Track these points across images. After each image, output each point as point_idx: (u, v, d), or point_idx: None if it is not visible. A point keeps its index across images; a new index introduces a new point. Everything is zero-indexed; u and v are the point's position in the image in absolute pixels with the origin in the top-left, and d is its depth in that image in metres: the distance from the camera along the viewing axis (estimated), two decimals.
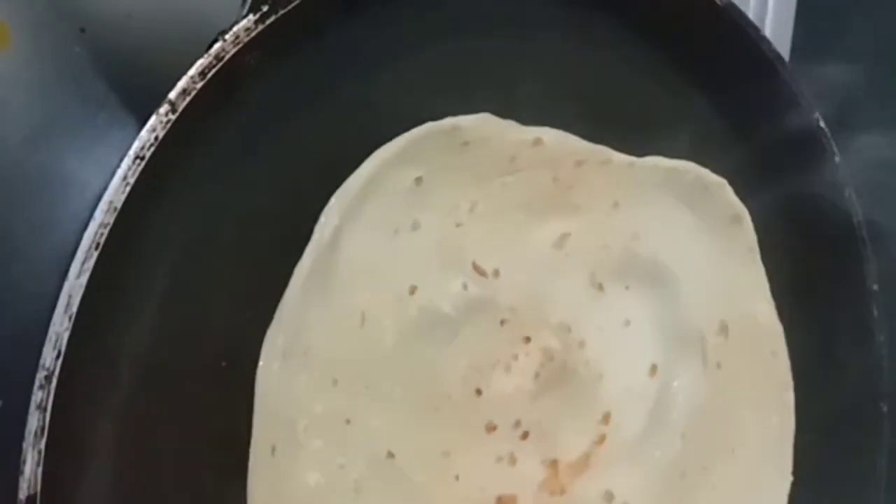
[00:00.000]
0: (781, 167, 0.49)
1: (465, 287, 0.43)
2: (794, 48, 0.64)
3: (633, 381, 0.48)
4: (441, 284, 0.43)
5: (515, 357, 0.45)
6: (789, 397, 0.51)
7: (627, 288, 0.48)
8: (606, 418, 0.47)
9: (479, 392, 0.44)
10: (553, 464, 0.46)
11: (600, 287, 0.47)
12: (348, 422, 0.41)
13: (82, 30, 0.40)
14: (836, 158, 0.49)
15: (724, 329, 0.49)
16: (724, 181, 0.49)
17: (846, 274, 0.51)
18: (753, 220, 0.49)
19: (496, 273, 0.44)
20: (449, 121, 0.42)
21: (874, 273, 0.51)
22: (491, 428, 0.45)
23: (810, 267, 0.51)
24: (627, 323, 0.48)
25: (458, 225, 0.43)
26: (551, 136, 0.45)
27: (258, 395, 0.39)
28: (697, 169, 0.48)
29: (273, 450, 0.39)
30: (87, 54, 0.40)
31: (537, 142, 0.44)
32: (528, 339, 0.45)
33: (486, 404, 0.44)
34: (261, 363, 0.39)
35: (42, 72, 0.39)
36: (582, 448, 0.47)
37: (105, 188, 0.38)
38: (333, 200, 0.40)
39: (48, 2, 0.39)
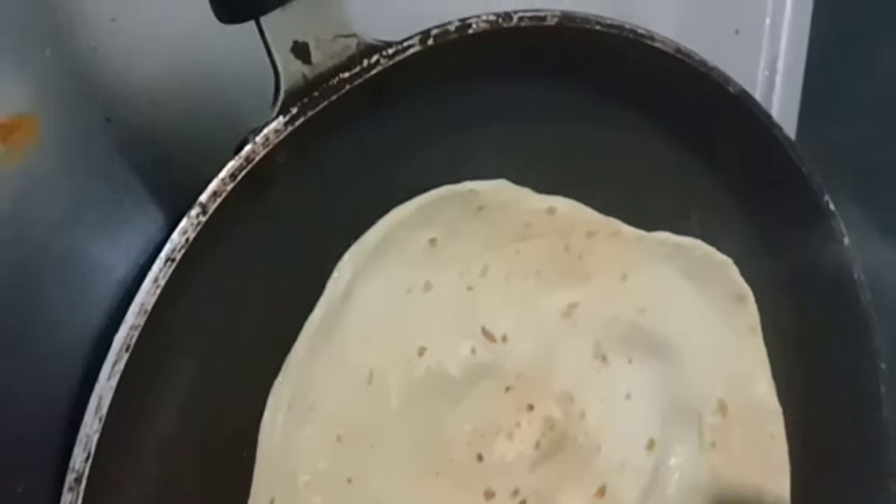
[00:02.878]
0: (790, 249, 0.50)
1: (473, 351, 0.43)
2: (800, 125, 0.65)
3: (630, 454, 0.48)
4: (450, 347, 0.43)
5: (518, 424, 0.45)
6: (785, 480, 0.51)
7: (630, 361, 0.48)
8: (602, 491, 0.47)
9: (480, 457, 0.44)
10: None
11: (604, 358, 0.47)
12: (349, 481, 0.41)
13: (108, 119, 0.40)
14: (846, 240, 0.49)
15: (722, 407, 0.50)
16: (729, 260, 0.49)
17: (855, 354, 0.51)
18: (760, 301, 0.49)
19: (504, 339, 0.44)
20: (466, 185, 0.42)
21: (882, 352, 0.51)
22: (489, 495, 0.44)
23: (818, 347, 0.51)
24: (629, 396, 0.48)
25: (469, 288, 0.43)
26: (565, 205, 0.45)
27: (261, 447, 0.39)
28: (704, 247, 0.48)
29: (272, 502, 0.39)
30: (112, 142, 0.41)
31: (551, 210, 0.45)
32: (531, 407, 0.45)
33: (487, 470, 0.44)
34: (266, 415, 0.39)
35: (68, 160, 0.40)
36: None
37: (129, 275, 0.40)
38: (347, 255, 0.40)
39: (74, 92, 0.40)
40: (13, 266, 0.39)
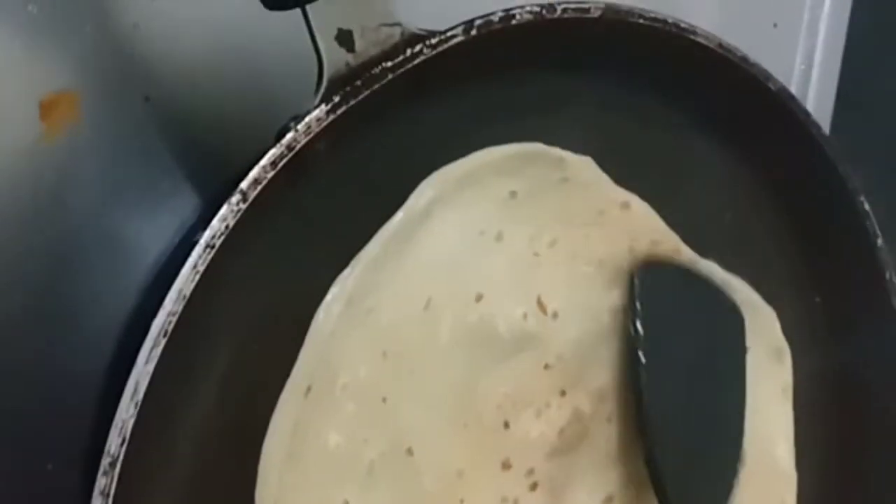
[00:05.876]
0: (822, 247, 0.50)
1: (525, 317, 0.44)
2: (835, 119, 0.66)
3: (646, 474, 0.47)
4: (505, 303, 0.43)
5: (548, 405, 0.45)
6: None
7: None
8: (609, 500, 0.47)
9: (507, 425, 0.43)
10: None
11: None
12: (384, 400, 0.40)
13: (147, 98, 0.40)
14: (880, 241, 0.49)
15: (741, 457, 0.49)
16: (773, 312, 0.50)
17: (887, 355, 0.51)
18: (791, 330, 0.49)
19: (556, 315, 0.44)
20: (557, 150, 0.43)
21: None
22: (506, 465, 0.44)
23: (846, 346, 0.51)
24: None
25: (535, 254, 0.44)
26: (640, 205, 0.46)
27: (312, 330, 0.38)
28: (750, 291, 0.49)
29: (308, 390, 0.38)
30: (151, 122, 0.40)
31: (625, 205, 0.45)
32: (563, 393, 0.45)
33: (510, 440, 0.44)
34: (327, 298, 0.39)
35: (108, 139, 0.40)
36: None
37: (162, 256, 0.40)
38: (434, 177, 0.40)
39: (114, 70, 0.40)
40: (53, 242, 0.38)
